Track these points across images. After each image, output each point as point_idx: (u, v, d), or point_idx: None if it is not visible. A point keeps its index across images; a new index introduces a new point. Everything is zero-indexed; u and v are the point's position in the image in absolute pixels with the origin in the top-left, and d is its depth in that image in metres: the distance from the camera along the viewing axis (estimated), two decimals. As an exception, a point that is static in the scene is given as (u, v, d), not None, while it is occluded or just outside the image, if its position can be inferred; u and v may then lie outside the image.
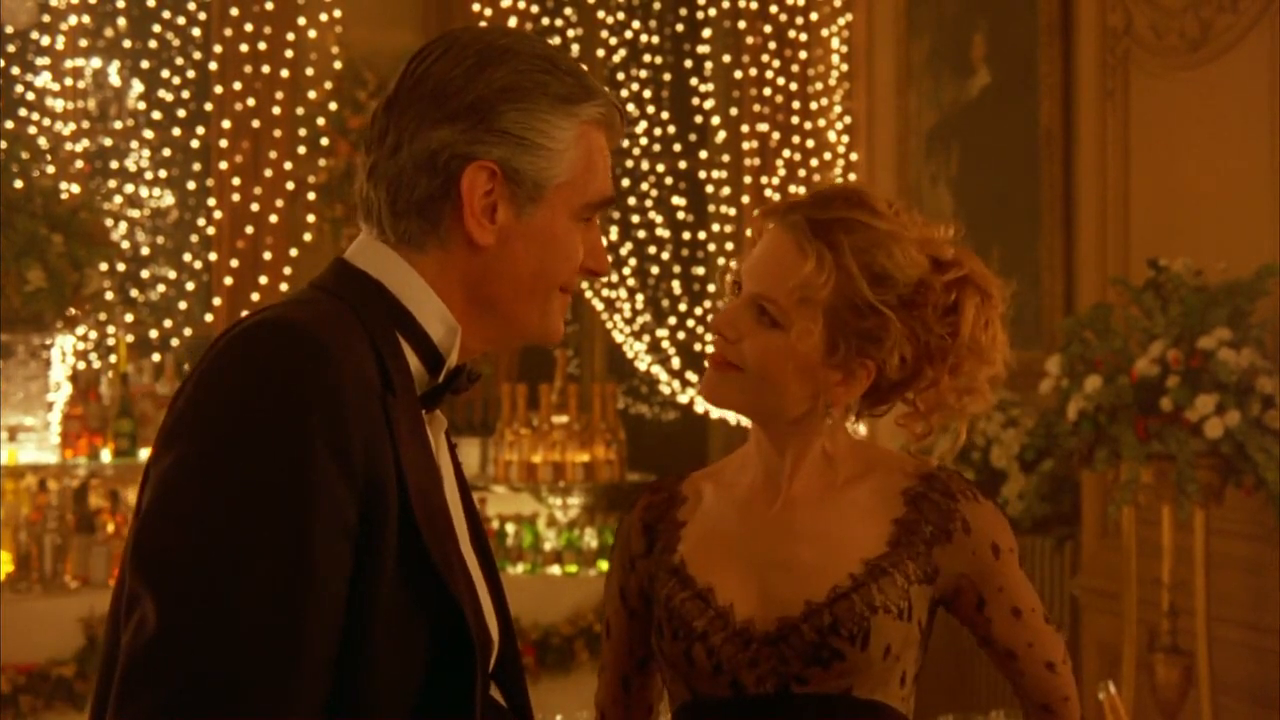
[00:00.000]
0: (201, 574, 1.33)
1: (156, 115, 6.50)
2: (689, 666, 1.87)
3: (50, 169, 5.92)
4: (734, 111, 7.07)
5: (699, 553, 1.92)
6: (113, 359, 5.85)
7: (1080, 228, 5.34)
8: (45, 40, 6.22)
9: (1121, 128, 5.01)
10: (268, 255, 6.39)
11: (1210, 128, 4.67)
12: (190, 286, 6.52)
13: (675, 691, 1.93)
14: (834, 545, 1.88)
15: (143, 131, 6.49)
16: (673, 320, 6.83)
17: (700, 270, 6.91)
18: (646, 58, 6.99)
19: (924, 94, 6.48)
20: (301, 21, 6.50)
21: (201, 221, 6.54)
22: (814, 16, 6.98)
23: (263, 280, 6.36)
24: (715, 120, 7.03)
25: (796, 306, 1.84)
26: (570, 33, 6.87)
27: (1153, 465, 4.19)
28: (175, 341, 6.35)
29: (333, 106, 6.50)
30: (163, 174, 6.55)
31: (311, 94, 6.52)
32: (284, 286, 6.33)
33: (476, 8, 6.53)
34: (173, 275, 6.55)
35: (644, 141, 6.81)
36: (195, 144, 6.67)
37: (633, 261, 6.80)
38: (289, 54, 6.48)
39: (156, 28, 6.49)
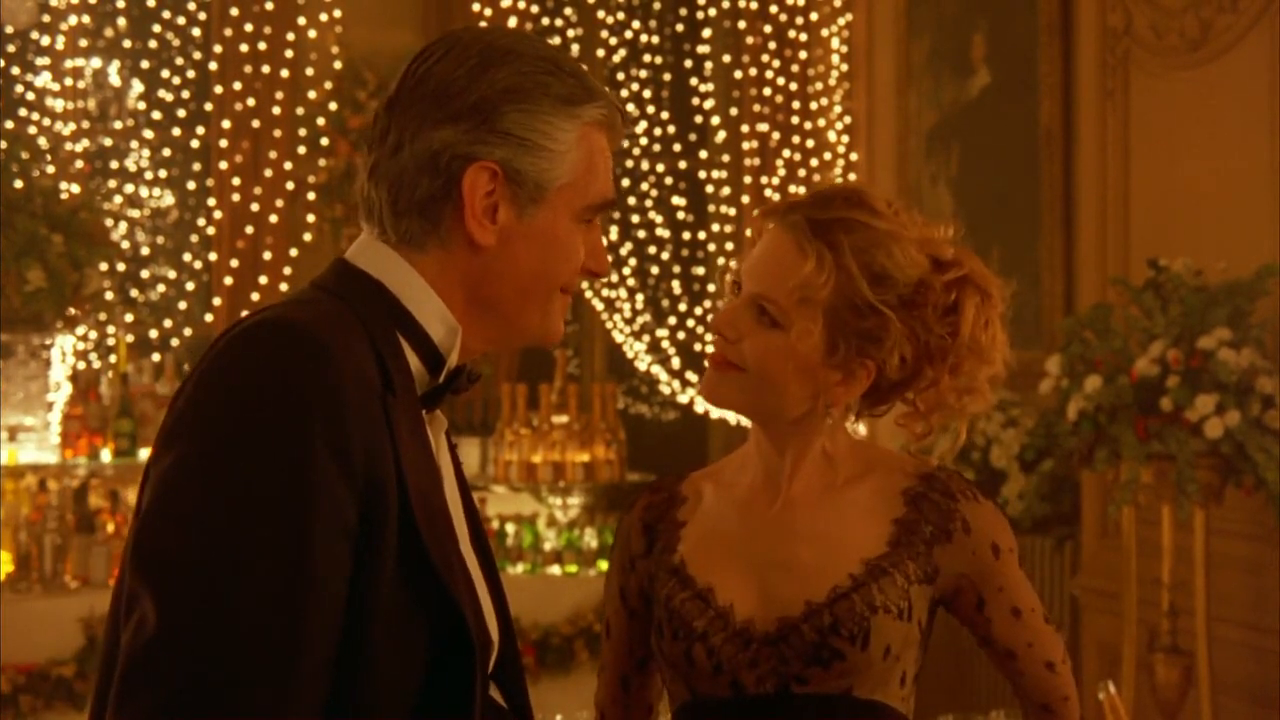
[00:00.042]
0: (201, 574, 1.33)
1: (156, 115, 6.50)
2: (689, 666, 1.87)
3: (50, 169, 5.92)
4: (734, 111, 7.07)
5: (699, 553, 1.92)
6: (113, 359, 5.85)
7: (1080, 228, 5.34)
8: (45, 40, 6.22)
9: (1121, 128, 5.01)
10: (268, 255, 6.39)
11: (1210, 128, 4.67)
12: (190, 286, 6.52)
13: (675, 691, 1.93)
14: (834, 545, 1.88)
15: (143, 131, 6.49)
16: (673, 320, 6.83)
17: (700, 270, 6.91)
18: (646, 58, 6.99)
19: (924, 94, 6.48)
20: (301, 21, 6.50)
21: (201, 221, 6.54)
22: (814, 16, 6.98)
23: (263, 280, 6.36)
24: (715, 120, 7.03)
25: (796, 306, 1.84)
26: (570, 33, 6.87)
27: (1153, 465, 4.20)
28: (175, 341, 6.35)
29: (333, 106, 6.50)
30: (163, 174, 6.55)
31: (311, 94, 6.52)
32: (284, 286, 6.33)
33: (476, 8, 6.53)
34: (173, 275, 6.55)
35: (644, 141, 6.81)
36: (195, 144, 6.67)
37: (633, 261, 6.80)
38: (289, 54, 6.48)
39: (156, 28, 6.49)
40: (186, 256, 6.56)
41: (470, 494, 1.66)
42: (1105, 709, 2.23)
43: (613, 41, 6.94)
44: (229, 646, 1.31)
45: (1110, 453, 4.25)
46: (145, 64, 6.52)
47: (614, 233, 6.70)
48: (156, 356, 6.07)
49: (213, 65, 6.47)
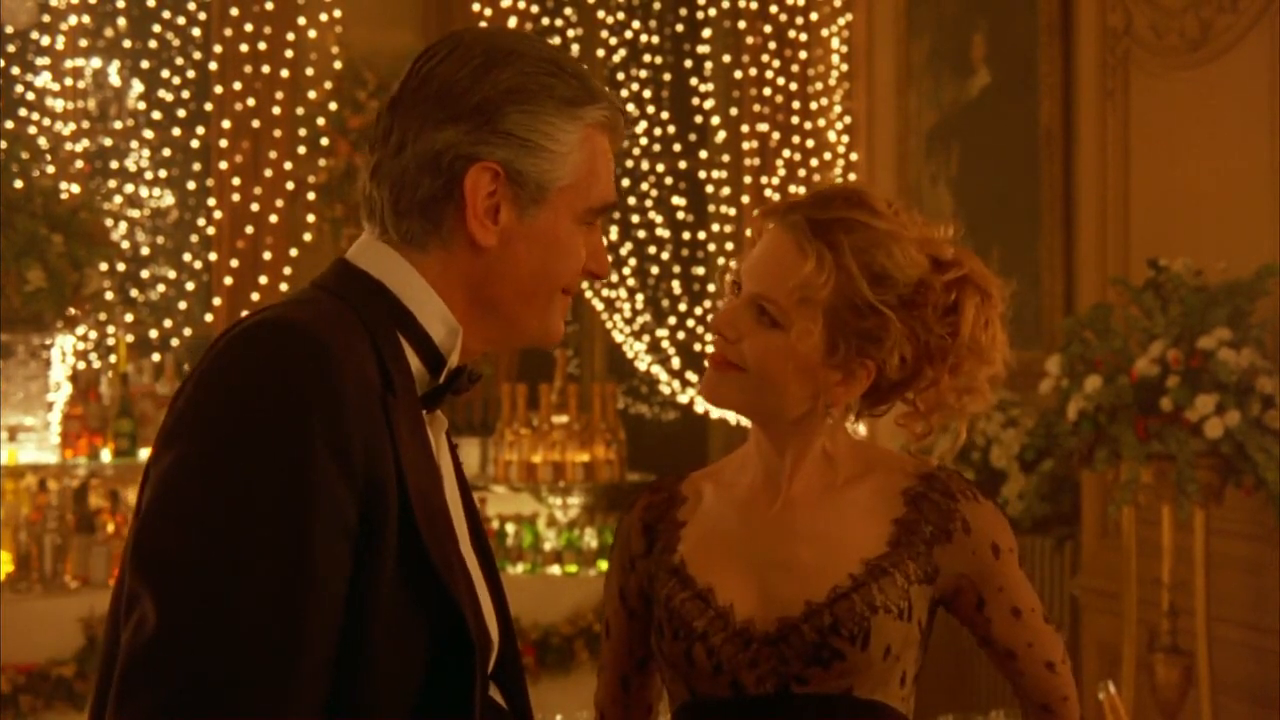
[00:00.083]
0: (201, 574, 1.33)
1: (156, 115, 6.50)
2: (689, 667, 1.87)
3: (50, 169, 5.92)
4: (734, 111, 7.07)
5: (699, 553, 1.92)
6: (113, 359, 5.85)
7: (1080, 228, 5.34)
8: (45, 40, 6.22)
9: (1121, 128, 5.01)
10: (268, 255, 6.39)
11: (1210, 128, 4.67)
12: (190, 286, 6.52)
13: (675, 691, 1.93)
14: (834, 545, 1.88)
15: (143, 131, 6.49)
16: (673, 320, 6.83)
17: (700, 270, 6.91)
18: (646, 58, 6.99)
19: (924, 94, 6.48)
20: (301, 21, 6.50)
21: (201, 221, 6.54)
22: (814, 16, 6.98)
23: (263, 280, 6.36)
24: (715, 120, 7.03)
25: (796, 306, 1.84)
26: (570, 33, 6.87)
27: (1153, 465, 4.20)
28: (175, 341, 6.35)
29: (333, 106, 6.50)
30: (163, 174, 6.55)
31: (311, 94, 6.52)
32: (284, 286, 6.33)
33: (476, 8, 6.53)
34: (173, 275, 6.55)
35: (644, 141, 6.81)
36: (195, 144, 6.67)
37: (633, 261, 6.80)
38: (289, 54, 6.48)
39: (156, 28, 6.49)
40: (186, 256, 6.56)
41: (471, 494, 1.66)
42: (1105, 709, 2.23)
43: (613, 41, 6.94)
44: (229, 646, 1.31)
45: (1110, 453, 4.25)
46: (145, 64, 6.52)
47: (614, 233, 6.70)
48: (156, 356, 6.07)
49: (213, 65, 6.47)
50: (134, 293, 6.44)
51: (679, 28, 7.09)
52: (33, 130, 6.08)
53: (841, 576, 1.85)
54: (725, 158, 7.09)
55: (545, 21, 6.80)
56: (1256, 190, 4.43)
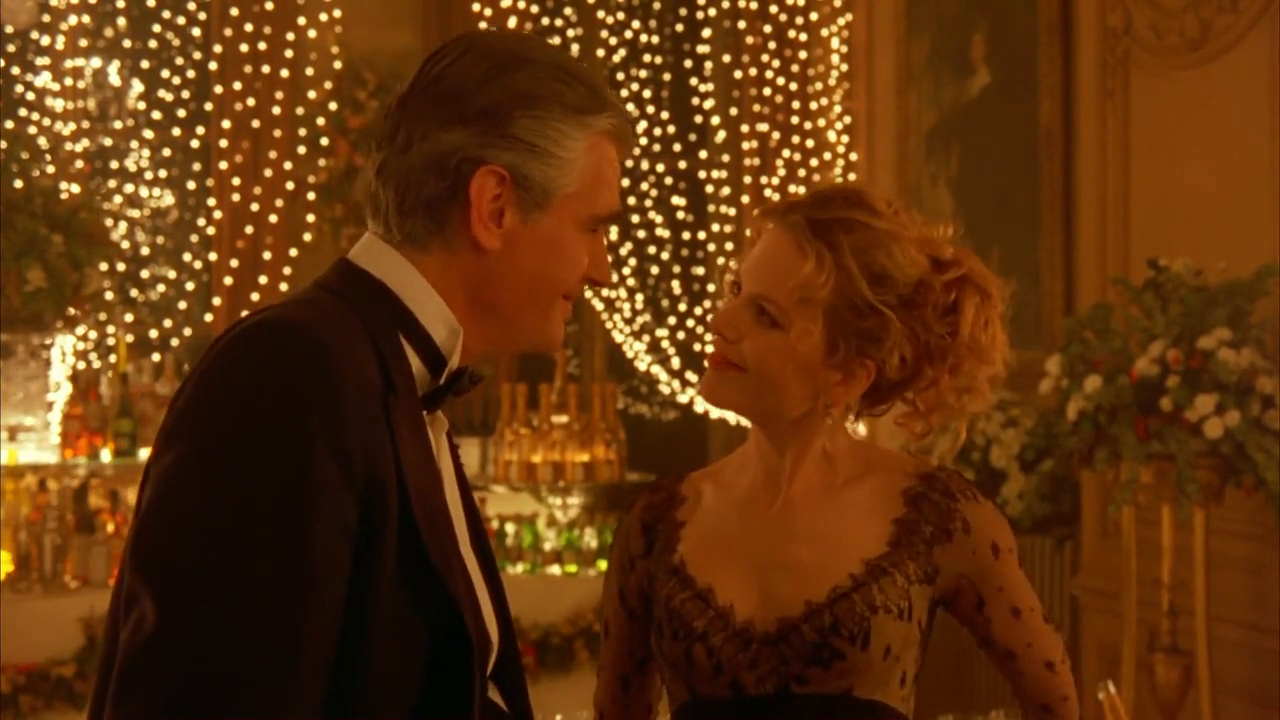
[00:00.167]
0: (201, 573, 1.33)
1: (156, 115, 6.51)
2: (689, 667, 1.87)
3: (50, 169, 5.92)
4: (734, 111, 7.07)
5: (699, 553, 1.92)
6: (113, 359, 5.85)
7: (1080, 228, 5.34)
8: (45, 40, 6.22)
9: (1121, 128, 5.01)
10: (268, 255, 6.39)
11: (1210, 128, 4.67)
12: (190, 286, 6.52)
13: (675, 691, 1.93)
14: (834, 545, 1.88)
15: (143, 131, 6.50)
16: (673, 320, 6.83)
17: (700, 270, 6.92)
18: (646, 58, 6.99)
19: (924, 94, 6.48)
20: (301, 21, 6.50)
21: (201, 221, 6.54)
22: (814, 16, 6.98)
23: (263, 280, 6.36)
24: (715, 120, 7.03)
25: (796, 306, 1.84)
26: (570, 33, 6.87)
27: (1153, 465, 4.20)
28: (175, 341, 6.35)
29: (333, 106, 6.50)
30: (163, 174, 6.55)
31: (311, 94, 6.52)
32: (284, 286, 6.34)
33: (476, 7, 6.53)
34: (173, 275, 6.55)
35: (644, 141, 6.81)
36: (195, 144, 6.67)
37: (633, 261, 6.80)
38: (289, 54, 6.48)
39: (156, 28, 6.49)
40: (186, 256, 6.56)
41: (471, 495, 1.66)
42: (1105, 709, 2.23)
43: (613, 41, 6.94)
44: (228, 646, 1.31)
45: (1110, 453, 4.25)
46: (145, 64, 6.52)
47: (614, 232, 6.70)
48: (156, 356, 6.07)
49: (213, 65, 6.47)
50: (134, 293, 6.44)
51: (679, 28, 7.10)
52: (33, 130, 6.08)
53: (841, 576, 1.85)
54: (725, 158, 7.09)
55: (545, 21, 6.80)
56: (1256, 190, 4.43)
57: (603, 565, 5.33)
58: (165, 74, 6.52)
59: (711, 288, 6.78)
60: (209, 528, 1.34)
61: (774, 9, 6.91)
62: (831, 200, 1.89)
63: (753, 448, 1.96)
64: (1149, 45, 4.88)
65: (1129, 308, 4.38)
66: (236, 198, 6.40)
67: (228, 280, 6.36)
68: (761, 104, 6.93)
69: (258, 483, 1.34)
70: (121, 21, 6.41)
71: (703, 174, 7.07)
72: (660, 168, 6.88)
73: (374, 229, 1.56)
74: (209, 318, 6.41)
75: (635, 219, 6.83)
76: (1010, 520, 1.96)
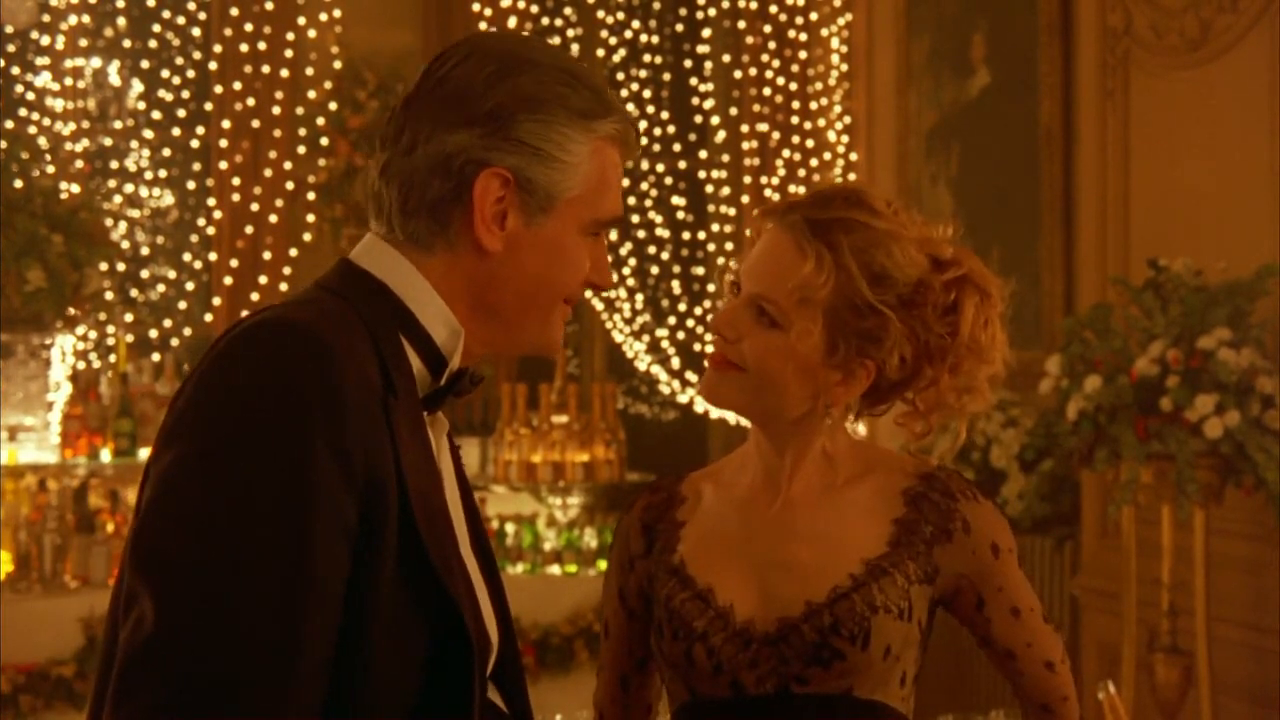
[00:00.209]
0: (200, 573, 1.33)
1: (156, 115, 6.51)
2: (689, 667, 1.87)
3: (50, 169, 5.92)
4: (734, 111, 7.07)
5: (699, 553, 1.92)
6: (113, 359, 5.85)
7: (1080, 228, 5.34)
8: (45, 40, 6.22)
9: (1121, 128, 5.01)
10: (268, 255, 6.40)
11: (1210, 128, 4.67)
12: (190, 286, 6.52)
13: (674, 691, 1.93)
14: (834, 545, 1.88)
15: (143, 131, 6.50)
16: (673, 320, 6.84)
17: (700, 270, 6.92)
18: (646, 58, 6.99)
19: (924, 94, 6.48)
20: (301, 21, 6.50)
21: (201, 221, 6.54)
22: (814, 16, 6.98)
23: (263, 280, 6.36)
24: (715, 120, 7.03)
25: (796, 307, 1.84)
26: (570, 33, 6.87)
27: (1152, 465, 4.19)
28: (175, 341, 6.35)
29: (333, 106, 6.50)
30: (163, 174, 6.55)
31: (311, 94, 6.52)
32: (284, 286, 6.34)
33: (476, 8, 6.53)
34: (173, 275, 6.56)
35: (644, 141, 6.81)
36: (195, 144, 6.67)
37: (633, 261, 6.80)
38: (289, 54, 6.49)
39: (156, 28, 6.49)
40: (186, 256, 6.56)
41: (472, 496, 1.66)
42: (1105, 709, 2.23)
43: (613, 41, 6.94)
44: (227, 646, 1.31)
45: (1110, 453, 4.25)
46: (145, 64, 6.52)
47: (614, 233, 6.70)
48: (156, 356, 6.07)
49: (213, 65, 6.47)
50: (134, 293, 6.44)
51: (679, 28, 7.10)
52: (33, 130, 6.08)
53: (841, 576, 1.85)
54: (725, 158, 7.09)
55: (545, 21, 6.80)
56: (1256, 190, 4.43)
57: (603, 565, 5.33)
58: (165, 74, 6.52)
59: (711, 288, 6.78)
60: (209, 527, 1.34)
61: (774, 9, 6.91)
62: (831, 200, 1.89)
63: (753, 448, 1.96)
64: (1149, 45, 4.88)
65: (1129, 308, 4.38)
66: (236, 198, 6.40)
67: (228, 280, 6.36)
68: (761, 104, 6.93)
69: (258, 482, 1.34)
70: (121, 21, 6.41)
71: (703, 174, 7.07)
72: (660, 168, 6.89)
73: (376, 229, 1.56)
74: (209, 318, 6.41)
75: (635, 219, 6.83)
76: (1010, 520, 1.96)
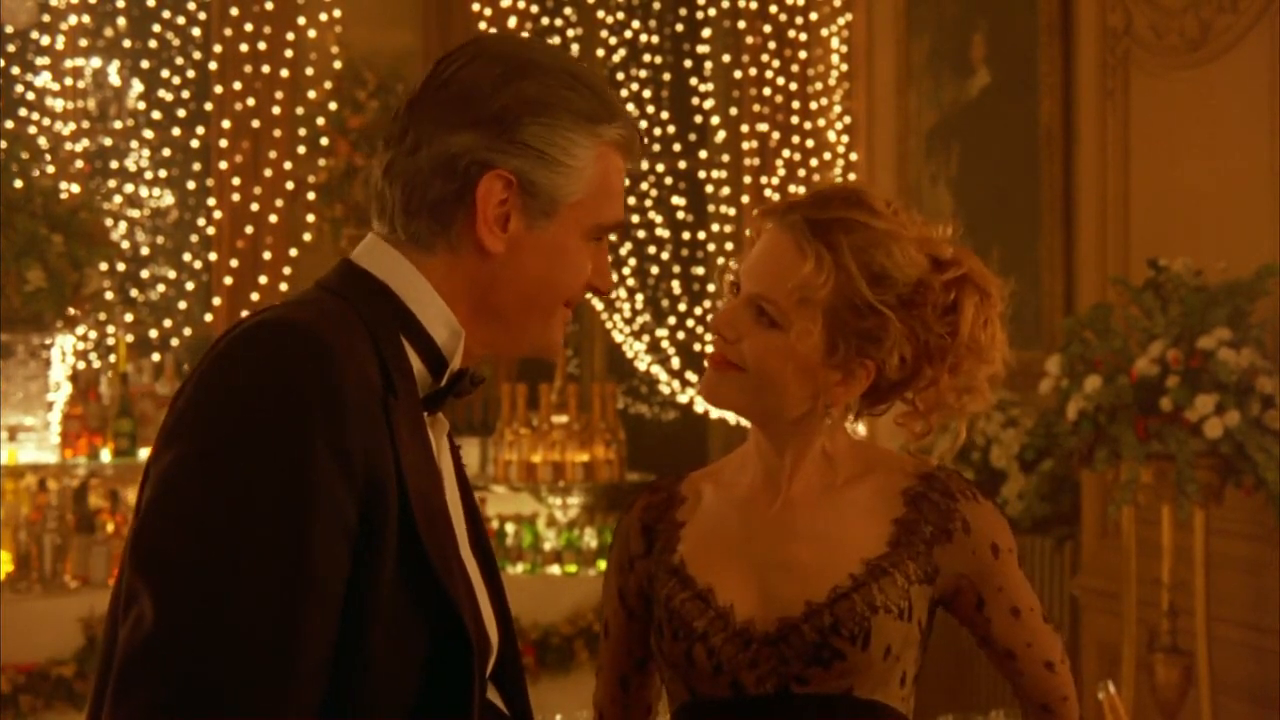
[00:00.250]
0: (200, 573, 1.33)
1: (156, 115, 6.51)
2: (689, 667, 1.87)
3: (50, 169, 5.92)
4: (734, 111, 7.07)
5: (699, 553, 1.92)
6: (113, 359, 5.85)
7: (1080, 228, 5.34)
8: (45, 40, 6.23)
9: (1121, 128, 5.01)
10: (268, 255, 6.40)
11: (1210, 128, 4.67)
12: (190, 286, 6.52)
13: (674, 692, 1.93)
14: (834, 545, 1.88)
15: (143, 131, 6.50)
16: (672, 320, 6.84)
17: (700, 270, 6.92)
18: (646, 58, 6.99)
19: (924, 94, 6.48)
20: (301, 21, 6.51)
21: (201, 221, 6.54)
22: (814, 16, 6.98)
23: (263, 280, 6.36)
24: (715, 120, 7.03)
25: (796, 307, 1.84)
26: (570, 33, 6.87)
27: (1152, 465, 4.19)
28: (175, 341, 6.35)
29: (333, 106, 6.50)
30: (163, 174, 6.56)
31: (311, 94, 6.52)
32: (284, 286, 6.34)
33: (476, 7, 6.53)
34: (173, 275, 6.56)
35: (644, 141, 6.81)
36: (195, 144, 6.68)
37: (633, 261, 6.80)
38: (289, 54, 6.49)
39: (156, 28, 6.50)
40: (186, 256, 6.56)
41: (473, 497, 1.66)
42: (1105, 709, 2.23)
43: (613, 41, 6.95)
44: (226, 645, 1.31)
45: (1110, 453, 4.25)
46: (145, 64, 6.53)
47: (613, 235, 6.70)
48: (156, 356, 6.07)
49: (213, 65, 6.48)
50: (134, 293, 6.45)
51: (679, 28, 7.10)
52: (33, 130, 6.09)
53: (842, 576, 1.85)
54: (725, 158, 7.09)
55: (545, 21, 6.80)
56: (1256, 190, 4.43)
57: (603, 565, 5.32)
58: (165, 74, 6.52)
59: (711, 288, 6.78)
60: (208, 527, 1.34)
61: (774, 9, 6.91)
62: (831, 200, 1.89)
63: (752, 448, 1.96)
64: (1149, 45, 4.88)
65: (1129, 308, 4.38)
66: (236, 198, 6.40)
67: (228, 280, 6.36)
68: (761, 104, 6.93)
69: (258, 482, 1.34)
70: (121, 21, 6.42)
71: (703, 174, 7.08)
72: (660, 168, 6.89)
73: (378, 229, 1.56)
74: (209, 318, 6.41)
75: (635, 219, 6.83)
76: (1010, 520, 1.96)
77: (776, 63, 6.93)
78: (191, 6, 6.51)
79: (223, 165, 6.43)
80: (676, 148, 6.96)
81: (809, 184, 6.79)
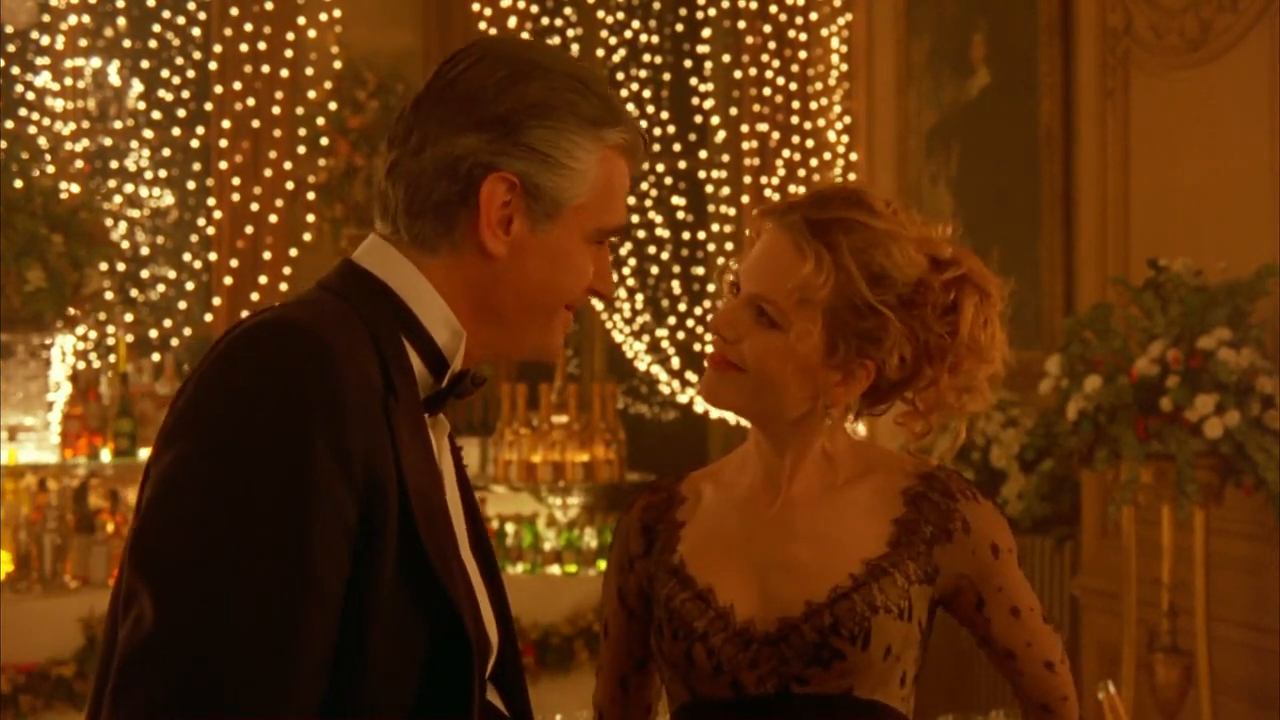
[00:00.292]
0: (200, 572, 1.33)
1: (156, 115, 6.51)
2: (689, 667, 1.87)
3: (50, 169, 5.92)
4: (734, 111, 7.07)
5: (699, 553, 1.92)
6: (113, 359, 5.86)
7: (1080, 228, 5.34)
8: (45, 40, 6.23)
9: (1121, 128, 5.01)
10: (268, 255, 6.40)
11: (1210, 128, 4.67)
12: (190, 286, 6.52)
13: (674, 692, 1.93)
14: (834, 545, 1.88)
15: (143, 131, 6.50)
16: (672, 320, 6.84)
17: (700, 270, 6.92)
18: (646, 58, 6.99)
19: (924, 94, 6.48)
20: (301, 21, 6.51)
21: (201, 221, 6.55)
22: (814, 16, 6.98)
23: (263, 280, 6.36)
24: (715, 120, 7.03)
25: (795, 307, 1.84)
26: (570, 33, 6.87)
27: (1152, 465, 4.19)
28: (175, 341, 6.36)
29: (333, 106, 6.50)
30: (163, 174, 6.56)
31: (311, 94, 6.52)
32: (284, 286, 6.34)
33: (476, 7, 6.53)
34: (173, 275, 6.56)
35: (648, 145, 6.81)
36: (195, 144, 6.68)
37: (633, 261, 6.80)
38: (289, 54, 6.49)
39: (156, 28, 6.50)
40: (186, 256, 6.56)
41: (473, 497, 1.66)
42: (1105, 709, 2.23)
43: (613, 41, 6.95)
44: (226, 645, 1.31)
45: (1110, 453, 4.25)
46: (145, 64, 6.53)
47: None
48: (156, 356, 6.07)
49: (213, 65, 6.48)
50: (134, 293, 6.45)
51: (679, 28, 7.10)
52: (33, 130, 6.09)
53: (842, 576, 1.85)
54: (725, 158, 7.09)
55: (545, 21, 6.80)
56: (1256, 190, 4.43)
57: (603, 565, 5.32)
58: (165, 74, 6.52)
59: (711, 288, 6.78)
60: (208, 527, 1.34)
61: (774, 9, 6.91)
62: (830, 200, 1.89)
63: (752, 448, 1.96)
64: (1149, 45, 4.88)
65: (1129, 308, 4.38)
66: (236, 198, 6.40)
67: (228, 280, 6.37)
68: (761, 104, 6.93)
69: (258, 482, 1.34)
70: (121, 21, 6.42)
71: (703, 174, 7.08)
72: (660, 168, 6.89)
73: (381, 229, 1.56)
74: (209, 318, 6.41)
75: (635, 219, 6.83)
76: (1010, 520, 1.95)
77: (776, 63, 6.93)
78: (191, 6, 6.51)
79: (223, 165, 6.43)
80: (676, 148, 6.96)
81: (809, 184, 6.79)
